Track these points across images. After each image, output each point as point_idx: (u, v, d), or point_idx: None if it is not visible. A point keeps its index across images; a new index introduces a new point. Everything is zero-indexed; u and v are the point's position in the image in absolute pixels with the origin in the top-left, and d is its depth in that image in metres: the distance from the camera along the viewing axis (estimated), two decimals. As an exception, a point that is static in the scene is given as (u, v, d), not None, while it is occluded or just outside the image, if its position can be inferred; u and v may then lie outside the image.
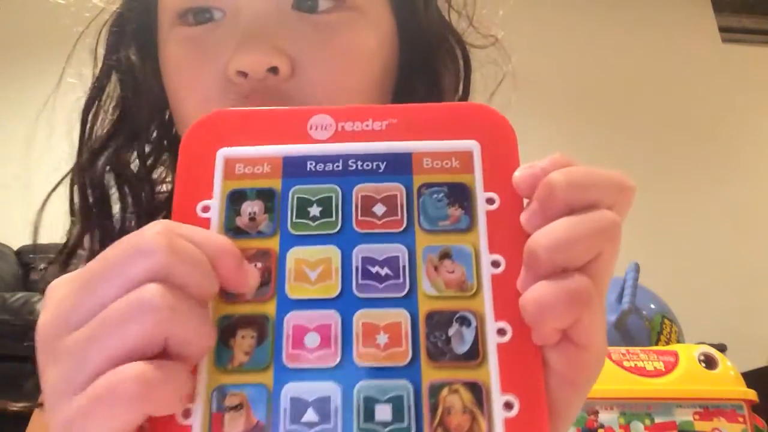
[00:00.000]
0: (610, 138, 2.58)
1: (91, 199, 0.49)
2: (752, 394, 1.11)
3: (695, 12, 2.93)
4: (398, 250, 0.25)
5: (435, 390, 0.23)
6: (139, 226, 0.33)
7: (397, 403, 0.22)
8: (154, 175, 0.52)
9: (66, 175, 0.50)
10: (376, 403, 0.22)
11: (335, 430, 0.22)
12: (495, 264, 0.25)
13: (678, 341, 1.41)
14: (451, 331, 0.24)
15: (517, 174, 0.25)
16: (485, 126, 0.27)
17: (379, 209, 0.26)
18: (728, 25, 2.97)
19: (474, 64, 0.52)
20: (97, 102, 0.51)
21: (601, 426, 1.06)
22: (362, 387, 0.23)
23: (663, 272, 1.78)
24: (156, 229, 0.23)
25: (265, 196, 0.26)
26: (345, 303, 0.24)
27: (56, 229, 0.50)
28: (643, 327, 1.38)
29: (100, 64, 0.51)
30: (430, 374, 0.23)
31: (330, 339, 0.24)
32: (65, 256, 0.49)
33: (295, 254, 0.25)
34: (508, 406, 0.22)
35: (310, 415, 0.22)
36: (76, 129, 0.51)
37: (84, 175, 0.49)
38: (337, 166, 0.26)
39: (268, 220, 0.26)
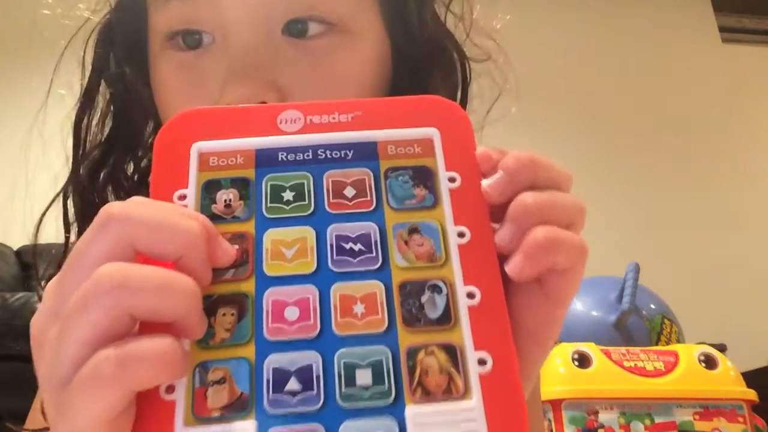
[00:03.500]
0: (610, 138, 2.58)
1: (90, 208, 0.49)
2: (752, 394, 1.11)
3: (695, 12, 2.93)
4: (369, 227, 0.26)
5: (412, 353, 0.24)
6: None
7: (377, 368, 0.23)
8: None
9: (63, 189, 0.50)
10: (357, 368, 0.23)
11: (318, 397, 0.23)
12: (460, 235, 0.26)
13: (678, 341, 1.41)
14: (424, 299, 0.25)
15: (481, 150, 0.28)
16: (443, 115, 0.29)
17: (350, 192, 0.27)
18: (728, 25, 2.97)
19: (472, 74, 0.52)
20: (88, 112, 0.51)
21: (601, 426, 1.06)
22: (342, 354, 0.24)
23: (663, 272, 1.78)
24: (113, 205, 0.23)
25: (239, 184, 0.27)
26: (322, 278, 0.25)
27: (55, 228, 0.50)
28: (643, 327, 1.38)
29: (88, 74, 0.51)
30: (406, 339, 0.24)
31: (309, 311, 0.24)
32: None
33: (271, 235, 0.26)
34: (481, 362, 0.24)
35: (293, 384, 0.23)
36: (71, 135, 0.51)
37: (82, 189, 0.49)
38: (308, 156, 0.28)
39: (244, 206, 0.27)
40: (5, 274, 2.03)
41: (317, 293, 0.25)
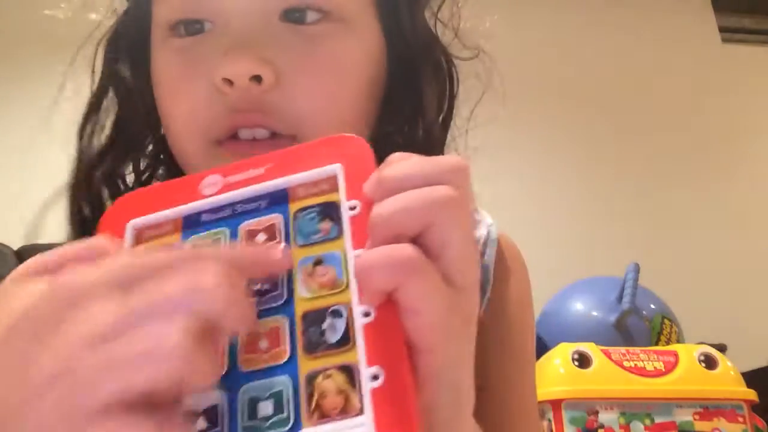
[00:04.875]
0: (610, 138, 2.58)
1: (87, 212, 0.49)
2: (752, 394, 1.11)
3: (695, 12, 2.92)
4: None
5: (311, 379, 0.25)
6: None
7: (277, 398, 0.24)
8: None
9: (64, 188, 0.50)
10: (259, 401, 0.24)
11: None
12: (358, 258, 0.27)
13: (678, 341, 1.41)
14: (325, 325, 0.26)
15: (366, 183, 0.28)
16: (346, 150, 0.31)
17: (261, 237, 0.29)
18: (728, 25, 2.97)
19: (460, 77, 0.52)
20: (94, 115, 0.51)
21: (601, 426, 1.06)
22: (246, 389, 0.25)
23: (663, 272, 1.78)
24: (215, 280, 0.23)
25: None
26: None
27: (56, 229, 0.50)
28: (643, 327, 1.38)
29: (97, 79, 0.52)
30: (306, 366, 0.25)
31: (218, 353, 0.25)
32: None
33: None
34: (374, 378, 0.24)
35: (200, 424, 0.24)
36: (74, 135, 0.51)
37: (80, 189, 0.50)
38: (227, 213, 0.30)
39: None
40: (5, 274, 2.03)
41: (226, 337, 0.26)
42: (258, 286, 0.27)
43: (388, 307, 0.25)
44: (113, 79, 0.51)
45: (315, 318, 0.26)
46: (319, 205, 0.29)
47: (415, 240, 0.26)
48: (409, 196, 0.26)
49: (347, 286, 0.26)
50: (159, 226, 0.30)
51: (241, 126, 0.42)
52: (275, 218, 0.29)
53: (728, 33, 2.96)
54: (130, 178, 0.52)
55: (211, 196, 0.31)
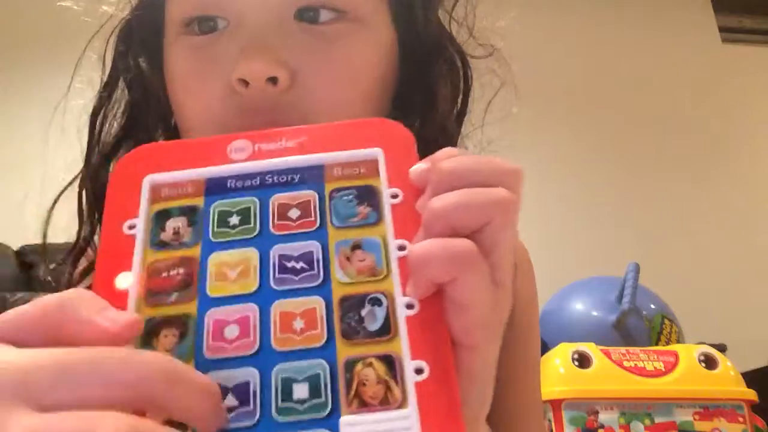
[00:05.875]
0: (610, 138, 2.58)
1: (99, 202, 0.49)
2: (752, 394, 1.11)
3: (695, 12, 2.93)
4: (312, 246, 0.27)
5: (350, 365, 0.24)
6: None
7: (314, 381, 0.24)
8: None
9: (75, 178, 0.51)
10: (294, 382, 0.24)
11: (254, 412, 0.23)
12: (401, 248, 0.27)
13: (678, 341, 1.41)
14: (364, 312, 0.25)
15: (412, 169, 0.28)
16: (387, 135, 0.30)
17: (294, 213, 0.28)
18: (728, 25, 2.97)
19: (474, 74, 0.52)
20: (105, 107, 0.51)
21: (601, 426, 1.06)
22: (280, 369, 0.24)
23: (663, 272, 1.78)
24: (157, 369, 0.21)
25: (189, 212, 0.28)
26: (263, 296, 0.26)
27: (57, 229, 0.51)
28: (643, 327, 1.38)
29: (108, 70, 0.52)
30: (345, 352, 0.24)
31: (249, 329, 0.25)
32: (74, 257, 0.50)
33: (216, 258, 0.27)
34: (418, 371, 0.24)
35: (230, 400, 0.23)
36: (75, 133, 0.51)
37: (93, 179, 0.50)
38: (256, 182, 0.29)
39: (192, 232, 0.28)
40: (5, 274, 2.03)
41: (258, 311, 0.25)
42: (292, 264, 0.26)
43: (432, 301, 0.25)
44: (125, 71, 0.51)
45: (353, 304, 0.25)
46: (356, 187, 0.28)
47: (467, 236, 0.26)
48: (471, 194, 0.26)
49: (388, 275, 0.26)
50: (179, 185, 0.29)
51: (255, 127, 0.42)
52: (310, 195, 0.28)
53: (728, 33, 2.96)
54: None
55: (240, 161, 0.29)
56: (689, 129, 2.64)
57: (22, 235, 1.71)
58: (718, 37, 2.93)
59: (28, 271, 2.06)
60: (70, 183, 0.51)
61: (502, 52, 0.53)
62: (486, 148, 0.53)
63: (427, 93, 0.49)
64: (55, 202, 0.51)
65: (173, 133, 0.50)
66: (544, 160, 2.35)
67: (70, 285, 0.49)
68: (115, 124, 0.51)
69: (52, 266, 0.52)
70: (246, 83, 0.40)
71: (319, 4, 0.42)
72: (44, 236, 0.51)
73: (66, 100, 0.54)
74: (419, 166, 0.28)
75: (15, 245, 2.13)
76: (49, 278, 0.52)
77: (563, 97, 2.50)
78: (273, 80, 0.40)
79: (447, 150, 0.29)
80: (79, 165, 0.51)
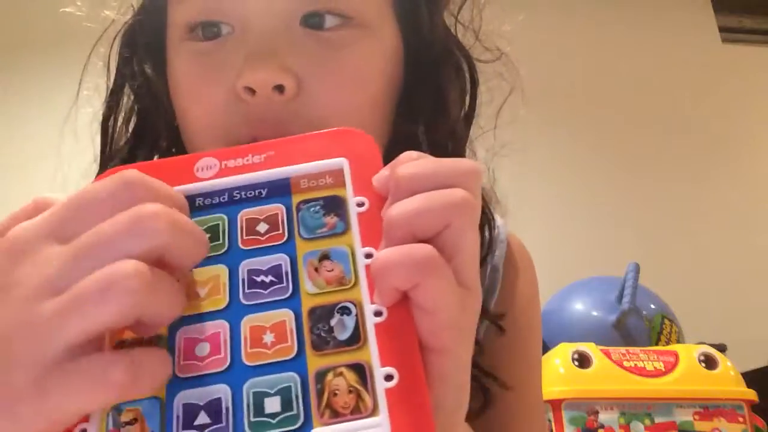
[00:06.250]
0: (610, 138, 2.58)
1: None
2: (752, 394, 1.11)
3: (695, 12, 2.92)
4: (281, 259, 0.27)
5: (321, 376, 0.24)
6: None
7: (285, 394, 0.24)
8: None
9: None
10: (266, 396, 0.24)
11: (227, 428, 0.23)
12: (368, 255, 0.27)
13: (678, 341, 1.41)
14: (333, 321, 0.25)
15: (375, 176, 0.29)
16: (352, 144, 0.30)
17: (263, 227, 0.28)
18: (728, 25, 2.96)
19: (480, 78, 0.52)
20: (113, 114, 0.51)
21: (601, 426, 1.06)
22: (251, 384, 0.24)
23: (663, 272, 1.78)
24: (154, 209, 0.24)
25: None
26: (233, 312, 0.26)
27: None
28: (643, 327, 1.38)
29: (113, 76, 0.51)
30: (315, 363, 0.24)
31: (219, 345, 0.25)
32: None
33: (186, 277, 0.27)
34: (388, 378, 0.24)
35: (202, 418, 0.23)
36: (75, 136, 0.51)
37: None
38: (224, 198, 0.29)
39: None
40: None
41: (228, 327, 0.25)
42: (261, 278, 0.27)
43: (400, 307, 0.25)
44: (131, 78, 0.51)
45: (322, 314, 0.25)
46: (323, 198, 0.29)
47: (428, 241, 0.26)
48: (429, 198, 0.26)
49: (356, 283, 0.26)
50: None
51: (260, 135, 0.42)
52: (277, 208, 0.29)
53: (728, 33, 2.96)
54: None
55: (207, 179, 0.29)
56: (689, 129, 2.63)
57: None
58: (718, 37, 2.93)
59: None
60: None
61: (509, 55, 0.53)
62: (499, 152, 0.53)
63: (435, 97, 0.49)
64: None
65: (175, 135, 0.50)
66: (544, 160, 2.35)
67: None
68: (124, 131, 0.51)
69: None
70: (252, 91, 0.40)
71: (325, 10, 0.42)
72: None
73: (75, 107, 0.54)
74: (382, 174, 0.28)
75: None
76: None
77: (563, 97, 2.50)
78: (279, 88, 0.40)
79: (407, 154, 0.29)
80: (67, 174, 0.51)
